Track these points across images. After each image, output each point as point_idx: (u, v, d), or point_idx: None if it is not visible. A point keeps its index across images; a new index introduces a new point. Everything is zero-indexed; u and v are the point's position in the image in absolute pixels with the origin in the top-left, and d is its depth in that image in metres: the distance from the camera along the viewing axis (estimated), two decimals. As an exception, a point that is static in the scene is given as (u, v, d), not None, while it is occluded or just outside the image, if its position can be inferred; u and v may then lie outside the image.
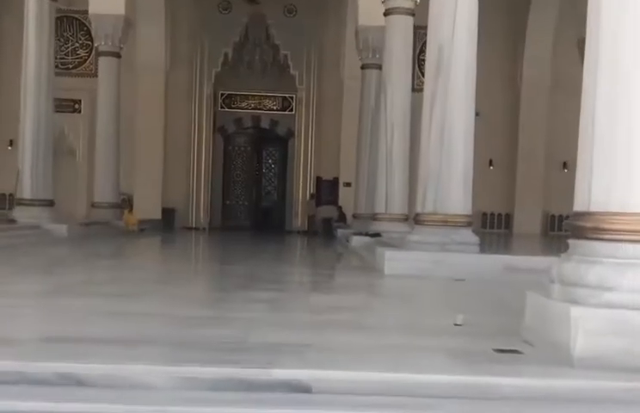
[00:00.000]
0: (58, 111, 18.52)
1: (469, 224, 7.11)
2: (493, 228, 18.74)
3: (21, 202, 10.30)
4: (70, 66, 18.97)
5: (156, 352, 3.05)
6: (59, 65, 18.78)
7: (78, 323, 3.70)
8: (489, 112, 16.68)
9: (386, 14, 10.91)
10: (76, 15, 18.17)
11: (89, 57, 18.56)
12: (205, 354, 3.02)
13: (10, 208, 11.72)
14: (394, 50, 10.68)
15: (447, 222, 6.88)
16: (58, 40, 18.70)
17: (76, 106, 18.81)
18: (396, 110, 10.44)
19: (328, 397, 2.73)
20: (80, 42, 18.71)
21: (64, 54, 18.93)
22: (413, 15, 10.89)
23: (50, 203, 10.51)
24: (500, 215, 19.28)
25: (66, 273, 6.51)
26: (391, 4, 10.80)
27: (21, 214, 10.36)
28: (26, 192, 10.22)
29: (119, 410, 2.57)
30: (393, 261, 6.79)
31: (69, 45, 18.97)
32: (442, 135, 6.64)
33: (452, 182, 6.80)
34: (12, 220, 10.34)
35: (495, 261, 6.91)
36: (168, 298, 4.83)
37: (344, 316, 4.33)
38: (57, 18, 18.51)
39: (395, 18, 10.83)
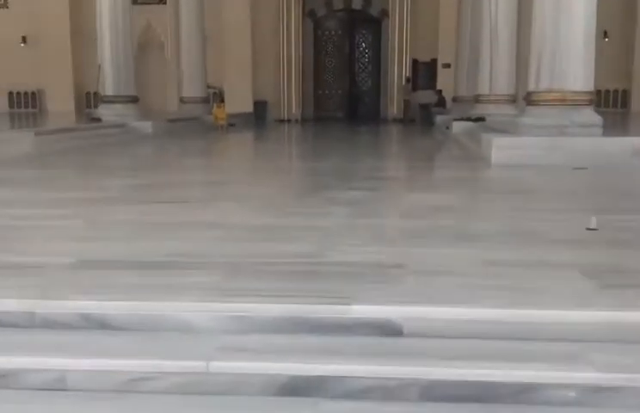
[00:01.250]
0: (142, 2, 18.42)
1: (590, 103, 6.05)
2: (608, 107, 17.04)
3: (105, 99, 9.97)
4: (155, -43, 18.40)
5: (205, 281, 2.41)
6: (144, -43, 18.36)
7: (123, 240, 3.14)
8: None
9: None
10: None
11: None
12: (264, 283, 2.37)
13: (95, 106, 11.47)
14: None
15: (565, 100, 5.85)
16: None
17: (161, -3, 18.32)
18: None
19: (425, 343, 2.03)
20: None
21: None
22: None
23: (134, 99, 10.13)
24: (616, 92, 17.52)
25: (138, 175, 6.04)
26: None
27: (105, 112, 10.04)
28: (108, 88, 9.86)
29: (146, 367, 1.96)
30: (501, 149, 5.89)
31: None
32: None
33: (571, 53, 5.72)
34: (97, 119, 10.05)
35: (623, 145, 5.86)
36: (238, 204, 4.21)
37: (445, 221, 3.53)
38: None
39: None
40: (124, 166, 6.82)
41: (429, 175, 6.12)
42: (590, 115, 6.07)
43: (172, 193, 4.80)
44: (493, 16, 9.24)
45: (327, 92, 19.52)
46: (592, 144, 5.78)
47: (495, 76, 9.33)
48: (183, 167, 6.83)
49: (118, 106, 9.91)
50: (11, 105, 19.07)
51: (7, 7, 18.95)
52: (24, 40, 18.74)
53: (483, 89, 9.67)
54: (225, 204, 4.23)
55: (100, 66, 9.88)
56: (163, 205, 4.16)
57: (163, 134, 10.37)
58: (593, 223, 3.14)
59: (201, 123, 12.78)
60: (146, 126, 10.12)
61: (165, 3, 18.07)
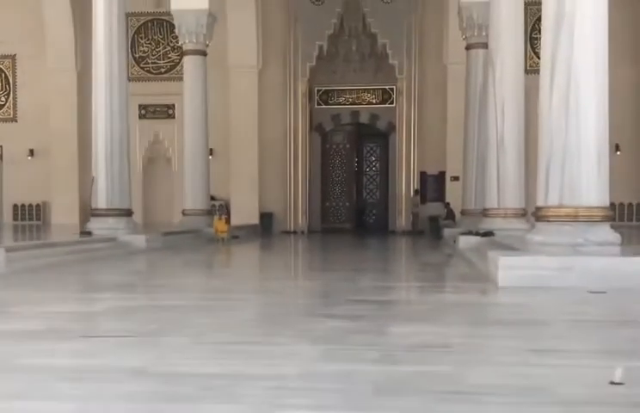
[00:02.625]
0: (152, 117, 18.50)
1: (607, 219, 5.53)
2: (623, 220, 16.50)
3: (96, 213, 9.59)
4: (163, 70, 18.60)
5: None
6: (151, 70, 18.59)
7: None
8: (614, 89, 14.52)
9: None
10: (166, 17, 17.65)
11: (180, 60, 18.05)
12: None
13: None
14: (502, 17, 9.10)
15: (578, 216, 5.33)
16: (149, 43, 18.49)
17: (170, 111, 18.38)
18: (506, 86, 8.87)
19: None
20: (171, 45, 18.23)
21: (156, 58, 18.60)
22: (523, -22, 9.26)
23: (127, 212, 9.76)
24: (631, 206, 17.03)
25: (95, 298, 5.48)
26: None
27: (96, 225, 9.64)
28: (101, 201, 9.49)
29: None
30: (509, 269, 5.34)
31: (160, 48, 18.60)
32: (567, 102, 5.11)
33: (582, 164, 5.25)
34: (87, 232, 9.66)
35: (645, 266, 5.28)
36: (189, 340, 3.64)
37: (435, 366, 2.95)
38: (146, 21, 18.64)
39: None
40: (88, 286, 6.31)
41: (427, 298, 5.52)
42: (606, 233, 5.53)
43: (118, 322, 4.16)
44: (499, 128, 8.89)
45: (334, 204, 19.23)
46: (609, 264, 5.22)
47: (503, 189, 8.89)
48: (154, 287, 6.25)
49: (110, 219, 9.51)
50: (15, 217, 18.90)
51: (16, 120, 19.07)
52: (32, 153, 18.76)
53: (491, 202, 9.21)
54: (173, 340, 3.58)
55: (93, 178, 9.55)
56: (91, 341, 3.52)
57: (158, 248, 9.94)
58: (618, 375, 2.54)
59: (201, 236, 12.38)
60: (140, 240, 9.71)
61: (174, 117, 18.11)
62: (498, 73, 8.93)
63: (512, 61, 8.95)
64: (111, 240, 9.35)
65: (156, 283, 6.55)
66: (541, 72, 5.43)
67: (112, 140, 9.35)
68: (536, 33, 15.23)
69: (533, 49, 15.92)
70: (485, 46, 11.03)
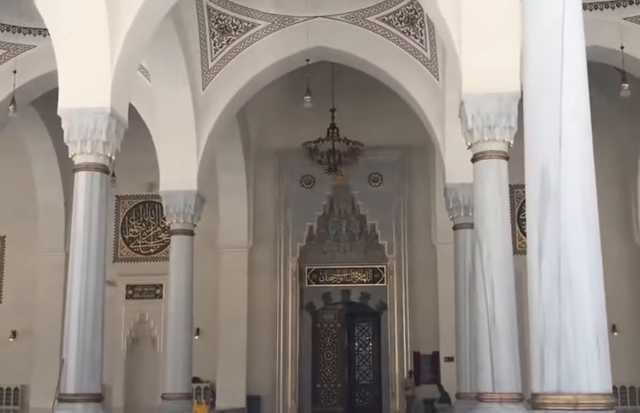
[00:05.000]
0: (139, 297, 18.26)
1: (611, 406, 5.14)
2: (625, 404, 15.87)
3: (63, 398, 9.02)
4: (152, 251, 18.62)
5: None
6: (141, 251, 18.60)
7: None
8: (607, 266, 14.41)
9: (474, 160, 9.46)
10: (157, 200, 17.83)
11: (170, 240, 18.10)
12: None
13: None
14: (487, 197, 9.11)
15: (579, 404, 4.95)
16: (140, 225, 18.61)
17: (158, 291, 18.17)
18: (494, 266, 8.71)
19: None
20: (162, 226, 18.33)
21: (146, 239, 18.69)
22: (506, 158, 9.39)
23: (98, 398, 9.17)
24: (633, 389, 16.42)
25: None
26: (480, 148, 9.36)
27: (62, 413, 9.01)
28: (70, 385, 8.95)
29: None
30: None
31: (150, 229, 18.71)
32: (559, 282, 4.89)
33: (580, 347, 4.94)
34: (54, 421, 9.05)
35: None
36: None
37: None
38: (137, 204, 18.85)
39: (485, 163, 9.34)
40: None
41: None
42: (611, 422, 5.14)
43: None
44: (490, 309, 8.65)
45: (326, 386, 18.66)
46: (615, 458, 4.81)
47: (497, 372, 8.49)
48: None
49: (78, 405, 8.89)
50: (-10, 401, 18.09)
51: (0, 301, 18.76)
52: (14, 334, 18.28)
53: (486, 386, 8.77)
54: None
55: (63, 361, 9.10)
56: None
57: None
58: None
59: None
60: (108, 429, 9.08)
61: (161, 297, 17.86)
62: (485, 254, 8.82)
63: (499, 242, 8.86)
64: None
65: None
66: (528, 251, 5.27)
67: (85, 321, 8.98)
68: (523, 215, 15.40)
69: (522, 230, 16.06)
70: (472, 226, 11.04)
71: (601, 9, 12.88)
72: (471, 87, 9.22)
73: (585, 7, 7.53)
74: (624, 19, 12.91)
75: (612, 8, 12.90)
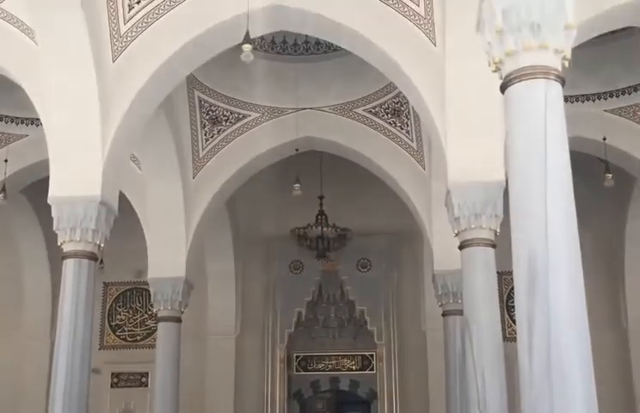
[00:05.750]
0: (124, 386, 17.91)
1: None
2: None
3: None
4: (139, 338, 18.36)
5: None
6: (127, 338, 18.34)
7: None
8: (594, 354, 14.36)
9: (462, 247, 9.56)
10: (145, 286, 17.72)
11: (157, 327, 17.92)
12: None
13: None
14: (475, 284, 9.15)
15: None
16: (127, 312, 18.44)
17: (143, 379, 17.85)
18: (485, 353, 8.67)
19: None
20: (149, 313, 18.14)
21: (133, 326, 18.47)
22: (494, 246, 9.50)
23: None
24: None
25: None
26: (467, 236, 9.48)
27: None
28: None
29: None
30: None
31: (137, 316, 18.52)
32: (549, 369, 4.89)
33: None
34: None
35: None
36: None
37: None
38: (125, 290, 18.72)
39: (472, 251, 9.44)
40: None
41: None
42: None
43: None
44: (481, 395, 8.58)
45: None
46: None
47: (492, 466, 8.36)
48: None
49: None
50: None
51: (-18, 390, 18.34)
52: (-5, 423, 17.82)
53: None
54: None
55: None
56: None
57: None
58: None
59: None
60: None
61: (147, 385, 17.55)
62: (475, 341, 8.80)
63: (489, 330, 8.85)
64: None
65: None
66: (518, 340, 5.29)
67: (69, 411, 8.83)
68: (511, 302, 15.42)
69: (511, 317, 16.04)
70: (462, 312, 11.04)
71: (582, 102, 13.29)
72: (457, 176, 9.41)
73: (567, 99, 7.80)
74: (605, 111, 13.31)
75: (593, 100, 13.31)
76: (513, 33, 5.55)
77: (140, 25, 9.65)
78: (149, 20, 9.68)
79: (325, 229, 15.64)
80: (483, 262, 9.32)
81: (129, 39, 9.64)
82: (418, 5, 9.53)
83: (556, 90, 5.52)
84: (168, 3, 9.68)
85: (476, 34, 6.20)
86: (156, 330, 17.01)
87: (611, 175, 13.22)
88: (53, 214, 9.43)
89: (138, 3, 9.61)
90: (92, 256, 9.46)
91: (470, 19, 6.27)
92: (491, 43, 5.77)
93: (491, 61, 5.84)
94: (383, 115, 13.61)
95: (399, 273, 18.08)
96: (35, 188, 14.53)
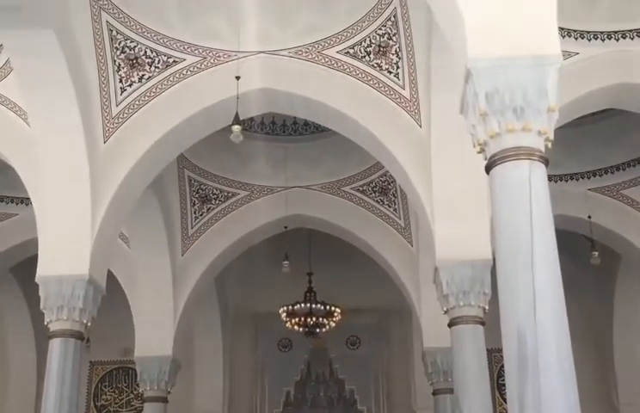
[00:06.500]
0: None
1: None
2: None
3: None
4: (123, 419, 17.98)
5: None
6: (113, 420, 17.94)
7: None
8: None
9: (451, 325, 9.59)
10: (131, 365, 17.45)
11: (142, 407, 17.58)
12: None
13: None
14: (465, 362, 9.12)
15: None
16: (113, 392, 18.09)
17: (128, 462, 17.41)
18: (476, 431, 8.62)
19: None
20: (135, 392, 17.79)
21: (118, 406, 18.07)
22: (482, 323, 9.52)
23: None
24: None
25: None
26: (456, 314, 9.52)
27: None
28: None
29: None
30: None
31: (123, 396, 18.15)
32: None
33: None
34: None
35: None
36: None
37: None
38: (111, 370, 18.39)
39: (461, 328, 9.47)
40: None
41: None
42: None
43: None
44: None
45: None
46: None
47: None
48: None
49: None
50: None
51: None
52: None
53: None
54: None
55: None
56: None
57: None
58: None
59: None
60: None
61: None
62: (466, 417, 8.73)
63: (480, 409, 8.79)
64: None
65: None
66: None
67: None
68: (502, 380, 15.29)
69: (502, 395, 15.89)
70: (452, 391, 10.95)
71: (566, 181, 13.52)
72: (445, 254, 9.50)
73: (551, 178, 7.93)
74: (589, 189, 13.53)
75: (577, 179, 13.56)
76: (497, 115, 5.66)
77: (132, 107, 9.85)
78: (140, 102, 9.89)
79: (314, 306, 15.56)
80: (472, 340, 9.32)
81: (121, 120, 9.81)
82: (403, 88, 9.81)
83: (540, 171, 5.60)
84: (159, 85, 9.93)
85: (461, 116, 6.34)
86: (142, 411, 16.77)
87: (597, 253, 13.34)
88: (41, 293, 9.37)
89: (130, 85, 9.82)
90: (79, 335, 9.36)
91: (454, 101, 6.40)
92: (475, 125, 5.86)
93: (476, 142, 5.93)
94: (370, 193, 13.77)
95: (389, 350, 17.92)
96: (23, 266, 14.44)
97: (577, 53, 9.66)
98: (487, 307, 9.43)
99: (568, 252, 8.64)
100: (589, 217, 13.17)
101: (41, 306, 9.38)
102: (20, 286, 16.62)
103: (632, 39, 9.76)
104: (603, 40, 9.77)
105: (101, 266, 9.80)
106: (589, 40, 9.74)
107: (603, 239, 13.76)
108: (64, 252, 9.42)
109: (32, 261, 10.05)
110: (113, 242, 10.47)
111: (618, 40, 9.77)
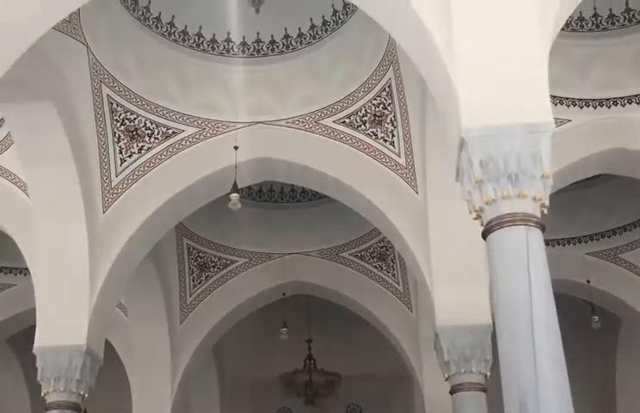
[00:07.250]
0: None
1: None
2: None
3: None
4: None
5: None
6: None
7: None
8: None
9: (453, 392, 9.49)
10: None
11: None
12: None
13: None
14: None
15: None
16: None
17: None
18: None
19: None
20: (132, 466, 17.42)
21: None
22: (484, 390, 9.43)
23: None
24: None
25: None
26: (457, 381, 9.43)
27: None
28: None
29: None
30: None
31: None
32: None
33: None
34: None
35: None
36: None
37: None
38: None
39: (463, 395, 9.38)
40: None
41: None
42: None
43: None
44: None
45: None
46: None
47: None
48: None
49: None
50: None
51: None
52: None
53: None
54: None
55: None
56: None
57: None
58: None
59: None
60: None
61: None
62: None
63: None
64: None
65: None
66: None
67: None
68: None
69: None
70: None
71: (564, 245, 13.55)
72: (445, 320, 9.47)
73: (548, 243, 7.98)
74: (587, 254, 13.55)
75: (574, 244, 13.59)
76: (492, 182, 5.70)
77: (132, 177, 9.94)
78: (140, 172, 9.99)
79: (313, 374, 15.38)
80: (474, 407, 9.22)
81: (120, 191, 9.89)
82: (399, 156, 9.94)
83: (536, 236, 5.62)
84: (159, 156, 10.04)
85: (456, 183, 6.40)
86: None
87: (597, 318, 13.27)
88: (38, 364, 9.28)
89: (130, 156, 9.94)
90: (75, 407, 9.27)
91: (449, 168, 6.47)
92: (471, 192, 5.91)
93: (472, 209, 5.98)
94: (369, 259, 13.77)
95: (390, 415, 17.64)
96: (21, 337, 14.31)
97: (569, 120, 9.81)
98: (488, 374, 9.34)
99: (567, 316, 8.59)
100: (588, 281, 13.15)
101: (38, 378, 9.28)
102: (17, 357, 16.43)
103: (624, 105, 9.91)
104: (595, 108, 9.94)
105: (98, 336, 9.74)
106: (581, 108, 9.90)
107: (602, 303, 13.72)
108: (62, 322, 9.35)
109: (29, 332, 9.98)
110: (111, 312, 10.44)
111: (610, 106, 9.93)
